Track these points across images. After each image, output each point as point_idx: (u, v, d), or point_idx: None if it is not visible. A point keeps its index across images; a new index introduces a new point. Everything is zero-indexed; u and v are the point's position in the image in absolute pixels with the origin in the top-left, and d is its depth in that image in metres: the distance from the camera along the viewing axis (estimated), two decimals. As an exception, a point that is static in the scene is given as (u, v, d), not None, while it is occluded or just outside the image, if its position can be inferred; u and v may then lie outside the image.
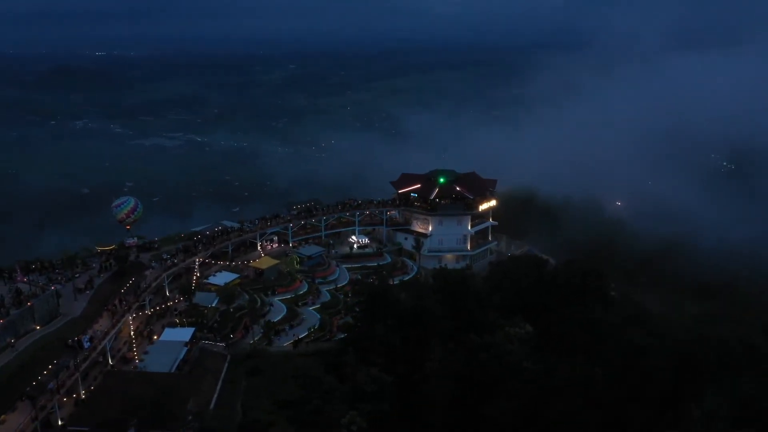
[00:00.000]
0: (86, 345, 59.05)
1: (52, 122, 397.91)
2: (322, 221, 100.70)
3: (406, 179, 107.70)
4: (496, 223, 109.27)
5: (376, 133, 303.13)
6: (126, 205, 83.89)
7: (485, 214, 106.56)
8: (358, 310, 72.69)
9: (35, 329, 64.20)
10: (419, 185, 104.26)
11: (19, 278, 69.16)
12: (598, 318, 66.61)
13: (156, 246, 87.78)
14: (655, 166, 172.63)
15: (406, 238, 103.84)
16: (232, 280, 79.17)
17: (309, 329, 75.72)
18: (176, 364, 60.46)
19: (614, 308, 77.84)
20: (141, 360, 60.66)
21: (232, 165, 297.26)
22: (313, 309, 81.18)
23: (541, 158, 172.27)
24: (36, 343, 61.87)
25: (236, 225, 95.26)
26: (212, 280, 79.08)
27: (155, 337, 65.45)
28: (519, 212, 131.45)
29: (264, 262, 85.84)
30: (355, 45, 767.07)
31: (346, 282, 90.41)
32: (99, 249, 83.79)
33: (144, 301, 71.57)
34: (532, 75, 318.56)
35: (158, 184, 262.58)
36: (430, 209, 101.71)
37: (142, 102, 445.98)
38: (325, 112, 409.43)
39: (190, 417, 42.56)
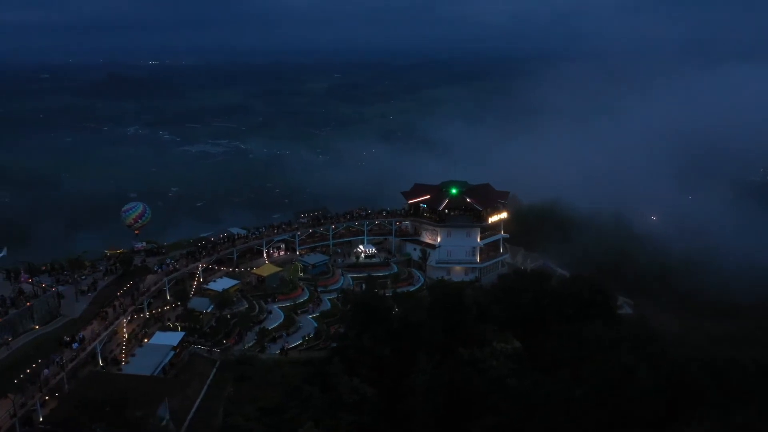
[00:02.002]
0: (75, 345, 60.77)
1: (105, 128, 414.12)
2: (330, 230, 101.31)
3: (418, 189, 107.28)
4: (507, 235, 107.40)
5: (414, 143, 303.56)
6: (134, 210, 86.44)
7: (496, 227, 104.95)
8: (348, 319, 72.58)
9: (34, 329, 66.60)
10: (429, 196, 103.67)
11: (23, 279, 71.72)
12: (586, 335, 64.54)
13: (164, 251, 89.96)
14: (691, 180, 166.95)
15: (415, 249, 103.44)
16: (231, 287, 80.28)
17: (303, 337, 76.16)
18: (160, 367, 61.72)
19: (618, 325, 75.47)
20: (127, 362, 62.11)
21: (274, 172, 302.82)
22: (312, 317, 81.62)
23: (570, 170, 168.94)
24: (32, 342, 64.27)
25: (243, 232, 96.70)
26: (212, 285, 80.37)
27: (145, 340, 66.87)
28: (540, 225, 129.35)
29: (266, 269, 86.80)
30: (401, 55, 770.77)
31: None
32: (108, 252, 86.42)
33: (142, 304, 73.38)
34: (571, 85, 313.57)
35: (202, 190, 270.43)
36: (439, 220, 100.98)
37: (190, 109, 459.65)
38: (367, 121, 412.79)
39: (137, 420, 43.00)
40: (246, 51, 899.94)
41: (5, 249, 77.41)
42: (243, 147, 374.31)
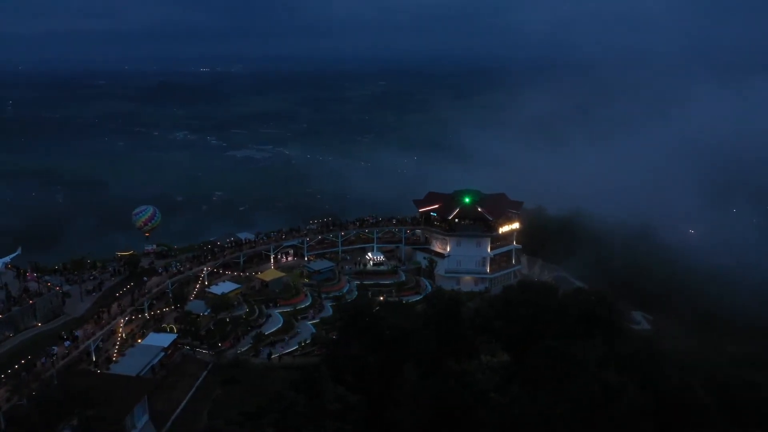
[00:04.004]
0: (67, 343, 62.67)
1: (155, 133, 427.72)
2: (339, 237, 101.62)
3: (430, 198, 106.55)
4: (519, 246, 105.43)
5: (451, 152, 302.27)
6: (144, 213, 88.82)
7: (507, 237, 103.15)
8: (339, 326, 72.60)
9: (36, 326, 69.05)
10: (439, 204, 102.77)
11: (29, 277, 74.45)
12: (572, 352, 62.58)
13: (174, 254, 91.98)
14: (727, 194, 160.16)
15: (425, 258, 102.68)
16: (232, 290, 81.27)
17: (299, 343, 76.49)
18: (147, 367, 62.92)
19: (619, 342, 73.09)
20: (115, 362, 63.64)
21: (316, 178, 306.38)
22: (312, 323, 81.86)
23: (599, 181, 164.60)
24: (31, 338, 66.62)
25: (251, 236, 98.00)
26: (213, 289, 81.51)
27: (139, 341, 68.41)
28: (564, 237, 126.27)
29: (269, 274, 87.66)
30: (446, 62, 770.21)
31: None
32: (119, 254, 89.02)
33: (142, 305, 75.17)
34: (612, 92, 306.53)
35: (245, 195, 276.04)
36: (449, 229, 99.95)
37: (237, 116, 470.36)
38: (408, 129, 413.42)
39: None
40: (294, 59, 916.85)
41: (20, 248, 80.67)
42: (287, 153, 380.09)
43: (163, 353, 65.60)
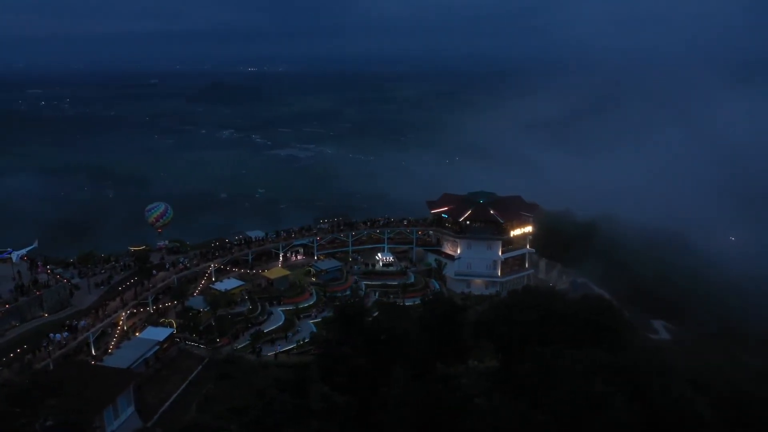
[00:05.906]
0: (65, 334, 64.76)
1: (203, 131, 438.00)
2: (350, 236, 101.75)
3: (444, 199, 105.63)
4: (533, 250, 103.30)
5: (487, 152, 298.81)
6: (156, 210, 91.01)
7: (521, 240, 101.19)
8: (332, 326, 72.59)
9: (43, 316, 71.68)
10: (452, 206, 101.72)
11: (40, 270, 77.34)
12: (559, 359, 60.79)
13: (185, 250, 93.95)
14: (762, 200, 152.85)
15: (435, 259, 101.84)
16: (235, 287, 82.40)
17: (297, 341, 77.01)
18: (141, 360, 64.38)
19: (620, 350, 70.71)
20: (110, 354, 65.39)
21: (357, 177, 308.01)
22: (313, 322, 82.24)
23: (629, 185, 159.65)
24: (35, 328, 69.13)
25: (261, 234, 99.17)
26: (217, 285, 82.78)
27: (136, 334, 70.15)
28: (588, 241, 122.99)
29: (274, 272, 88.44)
30: (496, 63, 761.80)
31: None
32: (133, 249, 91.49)
33: (146, 299, 77.07)
34: (646, 97, 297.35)
35: (286, 193, 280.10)
36: (459, 231, 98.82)
37: (282, 115, 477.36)
38: (452, 130, 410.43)
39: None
40: (342, 59, 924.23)
41: (36, 242, 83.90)
42: (329, 152, 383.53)
43: (157, 347, 66.99)
